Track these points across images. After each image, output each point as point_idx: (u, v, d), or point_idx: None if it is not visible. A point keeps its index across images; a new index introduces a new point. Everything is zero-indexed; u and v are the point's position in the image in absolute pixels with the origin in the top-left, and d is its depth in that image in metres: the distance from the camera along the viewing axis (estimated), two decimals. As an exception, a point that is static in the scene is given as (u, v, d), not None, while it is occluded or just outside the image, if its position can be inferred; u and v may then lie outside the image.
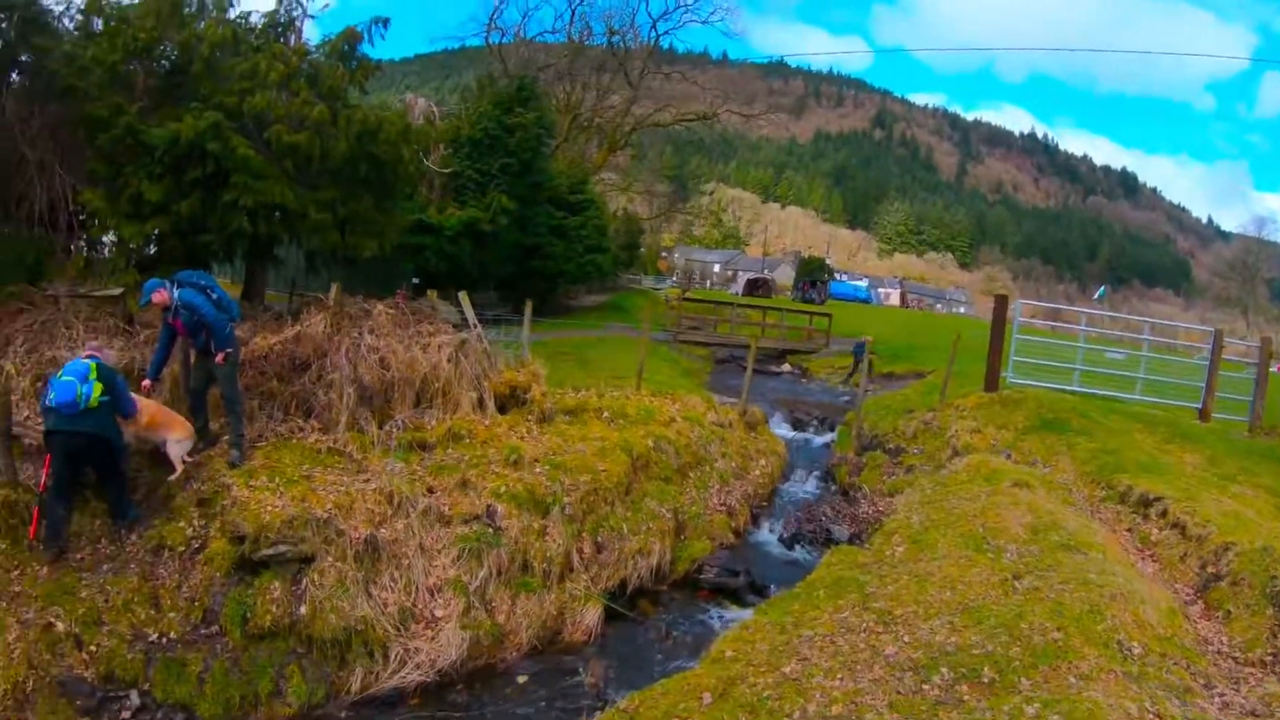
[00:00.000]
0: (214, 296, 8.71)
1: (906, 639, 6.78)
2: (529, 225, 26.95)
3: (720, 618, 9.24)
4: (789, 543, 11.39)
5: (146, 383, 8.78)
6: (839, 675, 6.33)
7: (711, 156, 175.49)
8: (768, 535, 11.89)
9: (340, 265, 17.38)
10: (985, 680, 6.06)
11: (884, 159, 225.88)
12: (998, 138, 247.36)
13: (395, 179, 15.07)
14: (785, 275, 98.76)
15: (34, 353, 10.19)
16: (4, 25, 12.14)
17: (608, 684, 7.74)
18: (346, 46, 14.48)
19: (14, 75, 13.13)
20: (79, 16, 13.56)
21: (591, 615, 8.75)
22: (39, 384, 9.56)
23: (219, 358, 8.62)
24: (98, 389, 7.51)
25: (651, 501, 10.60)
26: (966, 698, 5.91)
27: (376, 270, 19.63)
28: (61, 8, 13.56)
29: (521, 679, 7.87)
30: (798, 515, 12.03)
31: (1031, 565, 7.89)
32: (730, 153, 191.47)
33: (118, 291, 11.37)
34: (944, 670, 6.22)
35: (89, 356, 7.82)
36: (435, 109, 25.60)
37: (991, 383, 14.80)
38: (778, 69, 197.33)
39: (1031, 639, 6.45)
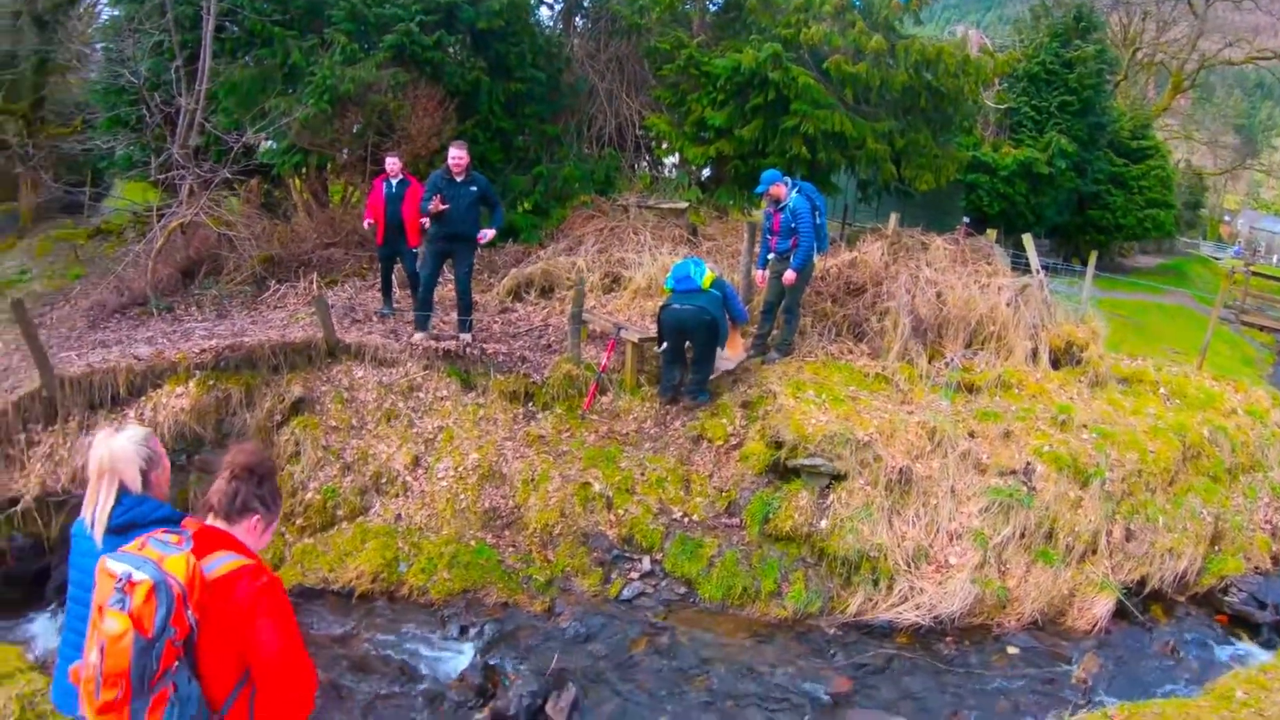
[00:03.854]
0: (818, 220, 9.05)
1: None
2: (1087, 170, 24.48)
3: (1232, 651, 7.78)
4: (1329, 583, 9.19)
5: (758, 272, 9.58)
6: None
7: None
8: (1306, 569, 9.71)
9: (892, 197, 17.38)
10: None
11: None
12: None
13: (955, 112, 14.48)
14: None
15: (604, 252, 11.42)
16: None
17: (1097, 683, 6.91)
18: (896, -23, 14.06)
19: (578, 19, 15.07)
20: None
21: (1101, 606, 7.79)
22: (606, 279, 10.72)
23: (788, 276, 8.98)
24: (710, 276, 8.46)
25: (1195, 499, 9.15)
26: None
27: (926, 205, 19.23)
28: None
29: (1011, 650, 7.28)
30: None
31: None
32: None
33: (683, 205, 12.30)
34: None
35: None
36: (988, 42, 24.12)
37: None
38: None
39: None
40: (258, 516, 2.96)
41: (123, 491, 3.21)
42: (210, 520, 2.93)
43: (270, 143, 11.84)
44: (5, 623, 7.03)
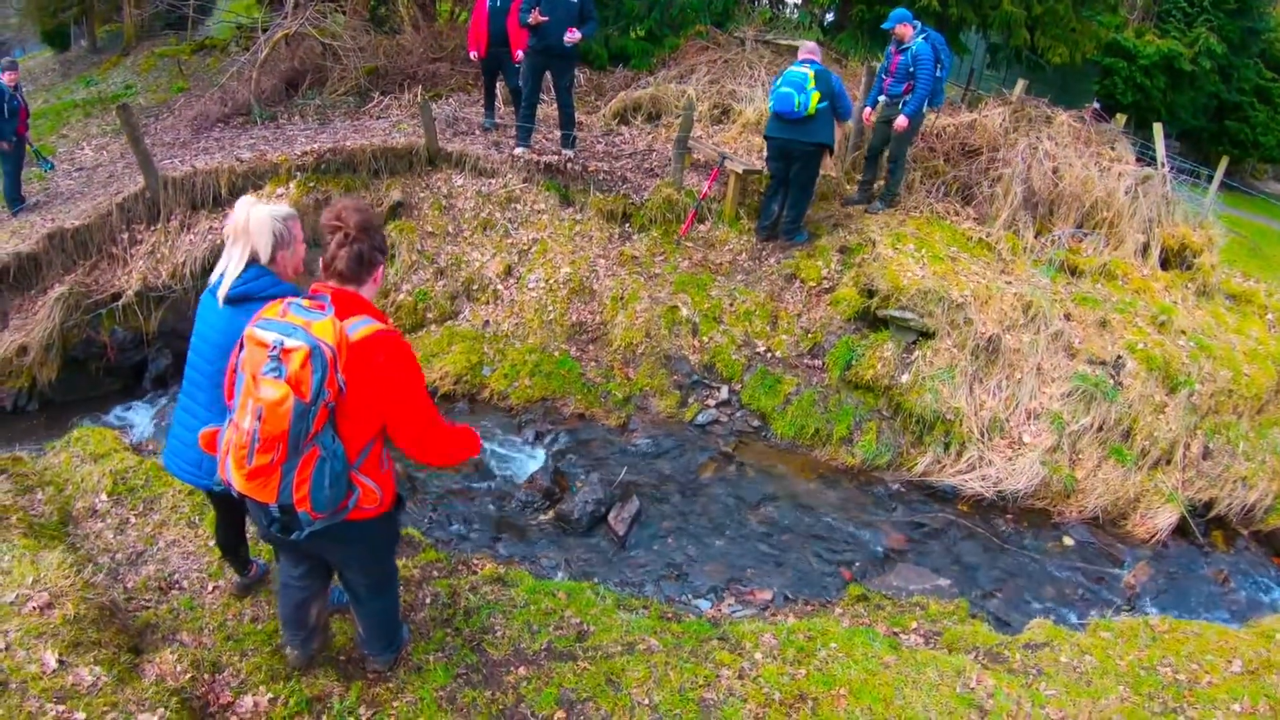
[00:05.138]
0: (939, 73, 8.65)
1: None
2: (1233, 77, 22.89)
3: (1280, 594, 7.62)
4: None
5: (867, 111, 9.35)
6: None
7: None
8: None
9: (1021, 66, 16.55)
10: None
11: None
12: None
13: (1103, -14, 13.54)
14: None
15: (715, 84, 11.19)
16: None
17: (1144, 592, 6.82)
18: None
19: None
20: None
21: (1164, 518, 7.59)
22: (715, 110, 10.50)
23: (900, 121, 8.63)
24: (815, 98, 8.04)
25: (1279, 434, 8.80)
26: None
27: (1055, 82, 18.23)
28: None
29: (1067, 541, 7.20)
30: None
31: None
32: None
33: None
34: None
35: (805, 61, 8.28)
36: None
37: None
38: None
39: None
40: (380, 266, 3.06)
41: (252, 261, 3.27)
42: (335, 285, 3.00)
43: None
44: (105, 410, 7.52)
